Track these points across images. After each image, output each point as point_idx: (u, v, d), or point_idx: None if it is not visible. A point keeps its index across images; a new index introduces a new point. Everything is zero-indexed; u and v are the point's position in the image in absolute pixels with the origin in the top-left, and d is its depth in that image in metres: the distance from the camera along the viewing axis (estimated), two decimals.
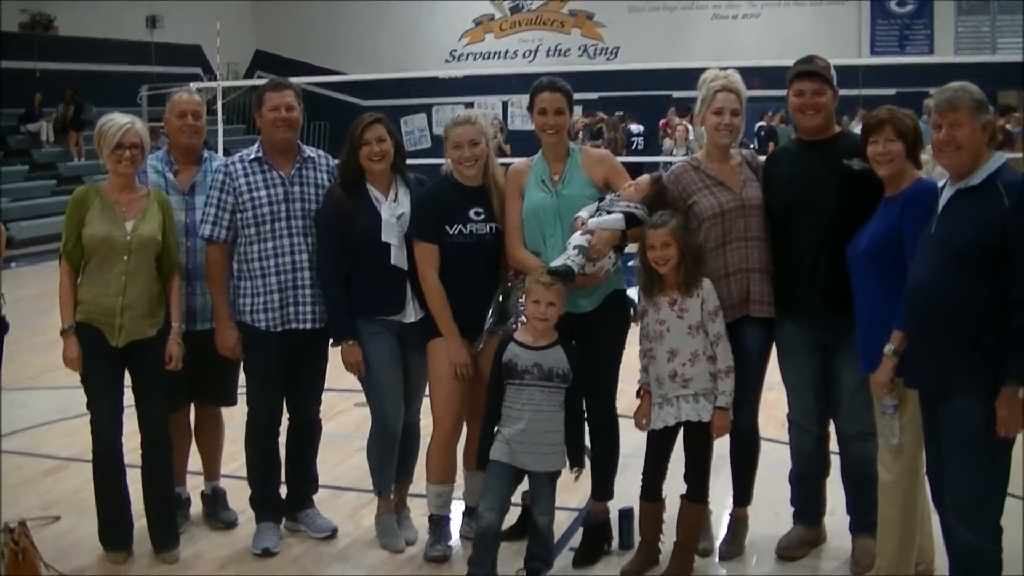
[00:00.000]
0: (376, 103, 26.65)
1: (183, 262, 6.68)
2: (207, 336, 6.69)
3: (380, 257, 6.43)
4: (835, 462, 6.46)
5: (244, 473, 6.98)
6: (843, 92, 6.44)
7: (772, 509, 6.78)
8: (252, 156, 6.69)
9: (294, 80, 7.18)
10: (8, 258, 18.92)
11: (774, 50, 23.44)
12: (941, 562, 5.70)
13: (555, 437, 6.03)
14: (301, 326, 6.59)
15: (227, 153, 13.51)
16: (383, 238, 6.41)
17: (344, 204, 6.46)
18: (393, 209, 6.48)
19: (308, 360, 6.77)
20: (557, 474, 6.14)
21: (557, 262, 6.01)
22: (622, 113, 28.73)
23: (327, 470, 7.47)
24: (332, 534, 6.90)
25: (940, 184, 5.37)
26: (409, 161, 6.88)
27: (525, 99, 6.53)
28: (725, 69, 6.51)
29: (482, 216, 6.41)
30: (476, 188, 6.45)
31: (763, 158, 6.65)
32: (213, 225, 6.58)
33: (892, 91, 24.06)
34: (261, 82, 7.65)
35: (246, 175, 6.61)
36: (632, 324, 6.43)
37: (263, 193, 6.58)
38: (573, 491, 6.76)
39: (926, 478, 5.57)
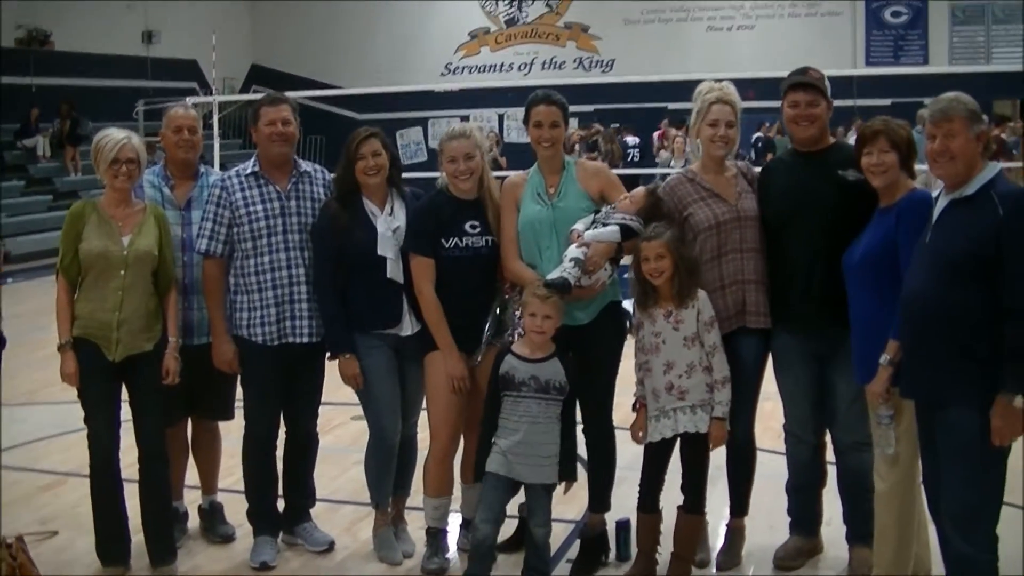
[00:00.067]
0: (372, 117, 26.69)
1: (180, 276, 6.69)
2: (204, 350, 6.70)
3: (376, 271, 6.44)
4: (831, 472, 6.48)
5: (241, 487, 6.98)
6: (838, 103, 6.46)
7: (769, 519, 6.80)
8: (248, 170, 6.70)
9: (290, 94, 7.21)
10: (5, 273, 18.97)
11: (769, 61, 23.56)
12: (938, 571, 5.71)
13: (551, 449, 6.05)
14: (298, 340, 6.60)
15: (223, 168, 13.52)
16: (379, 251, 6.42)
17: (340, 218, 6.48)
18: (389, 223, 6.49)
19: (305, 374, 6.78)
20: (553, 486, 6.15)
21: (553, 275, 6.02)
22: (618, 125, 28.77)
23: (324, 483, 7.48)
24: (329, 547, 6.90)
25: (934, 194, 5.39)
26: (405, 174, 6.90)
27: (521, 112, 6.55)
28: (720, 81, 6.53)
29: (478, 229, 6.42)
30: (471, 201, 6.46)
31: (758, 169, 6.65)
32: (209, 239, 6.59)
33: (887, 101, 24.09)
34: (257, 96, 7.66)
35: (242, 189, 6.62)
36: (628, 336, 6.44)
37: (259, 207, 6.59)
38: (570, 503, 6.76)
39: (922, 487, 5.58)
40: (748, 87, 8.47)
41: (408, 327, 6.51)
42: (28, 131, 27.48)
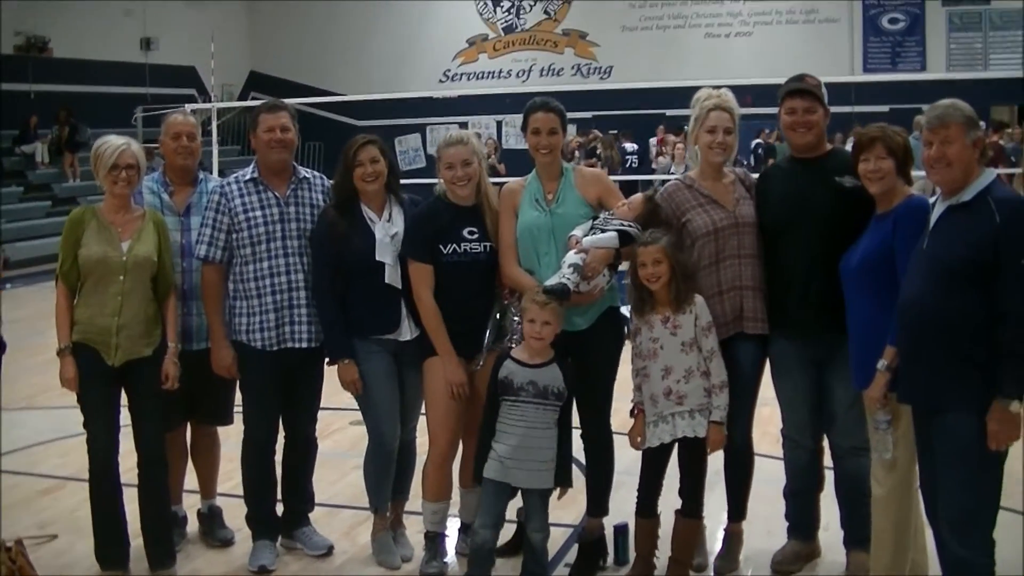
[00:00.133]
0: (370, 123, 26.80)
1: (179, 282, 6.70)
2: (203, 355, 6.72)
3: (375, 276, 6.45)
4: (829, 477, 6.49)
5: (240, 491, 6.99)
6: (836, 109, 6.48)
7: (767, 524, 6.81)
8: (248, 177, 6.72)
9: (288, 101, 7.21)
10: (4, 279, 18.98)
11: (766, 68, 23.55)
12: (935, 575, 5.72)
13: (547, 454, 6.06)
14: (297, 345, 6.62)
15: (222, 174, 13.54)
16: (377, 257, 6.43)
17: (338, 225, 6.49)
18: (387, 229, 6.51)
19: (304, 379, 6.80)
20: (549, 491, 6.17)
21: (552, 281, 6.03)
22: (616, 132, 28.80)
23: (323, 488, 7.49)
24: (328, 551, 6.92)
25: (931, 200, 5.41)
26: (403, 181, 6.90)
27: (519, 119, 6.56)
28: (718, 88, 6.54)
29: (476, 235, 6.44)
30: (469, 208, 6.48)
31: (756, 176, 6.68)
32: (209, 245, 6.62)
33: (885, 108, 24.07)
34: (256, 103, 7.68)
35: (242, 196, 6.64)
36: (627, 341, 6.46)
37: (259, 213, 6.61)
38: (568, 507, 6.78)
39: (919, 492, 5.59)
40: (746, 93, 8.50)
41: (407, 332, 6.53)
42: (27, 137, 27.48)
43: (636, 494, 6.31)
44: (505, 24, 35.63)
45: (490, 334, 6.42)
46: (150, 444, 6.47)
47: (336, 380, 6.62)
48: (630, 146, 28.56)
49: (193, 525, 7.27)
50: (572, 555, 6.70)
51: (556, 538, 6.66)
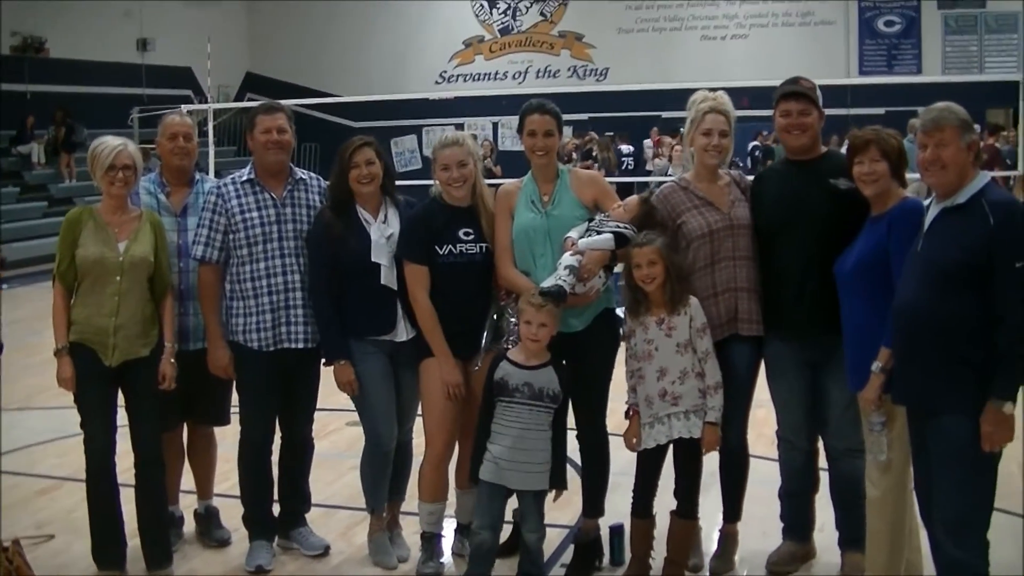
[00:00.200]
0: (367, 124, 26.82)
1: (176, 283, 6.71)
2: (200, 356, 6.73)
3: (370, 277, 6.47)
4: (824, 478, 6.50)
5: (237, 492, 6.99)
6: (832, 112, 6.50)
7: (762, 525, 6.81)
8: (244, 178, 6.73)
9: (285, 102, 7.23)
10: (1, 279, 18.98)
11: (762, 70, 23.60)
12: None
13: (541, 456, 6.08)
14: (293, 345, 6.63)
15: (218, 175, 13.57)
16: (372, 258, 6.45)
17: (334, 226, 6.51)
18: (382, 230, 6.52)
19: (300, 379, 6.81)
20: (544, 493, 6.19)
21: (548, 282, 6.05)
22: (612, 134, 28.82)
23: (320, 489, 7.51)
24: (325, 552, 6.94)
25: (926, 203, 5.43)
26: (400, 182, 6.91)
27: (515, 120, 6.56)
28: (714, 90, 6.55)
29: (472, 236, 6.45)
30: (465, 209, 6.50)
31: (751, 178, 6.69)
32: (205, 246, 6.63)
33: (881, 110, 24.14)
34: (252, 104, 7.72)
35: (238, 196, 6.66)
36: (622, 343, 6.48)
37: (255, 214, 6.63)
38: (564, 508, 6.78)
39: (914, 493, 5.61)
40: (742, 96, 8.51)
41: (403, 333, 6.55)
42: (23, 138, 27.48)
43: (631, 495, 6.33)
44: (501, 26, 35.67)
45: (487, 335, 6.43)
46: (147, 444, 6.48)
47: (333, 381, 6.64)
48: (626, 148, 28.56)
49: (190, 525, 7.28)
50: (568, 556, 6.72)
51: (552, 539, 6.67)
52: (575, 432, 6.50)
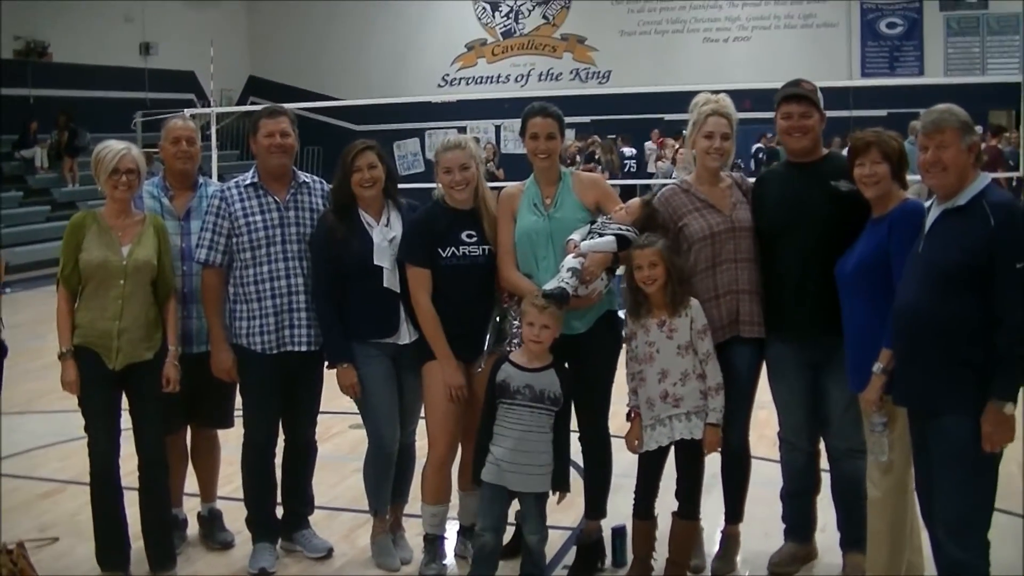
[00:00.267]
0: (369, 128, 26.83)
1: (179, 286, 6.73)
2: (203, 359, 6.75)
3: (373, 280, 6.48)
4: (825, 479, 6.52)
5: (240, 494, 7.02)
6: (835, 114, 6.52)
7: (764, 526, 6.83)
8: (248, 181, 6.76)
9: (288, 106, 7.25)
10: (3, 283, 18.99)
11: (765, 73, 23.61)
12: None
13: (543, 458, 6.09)
14: (296, 348, 6.65)
15: (221, 178, 13.57)
16: (375, 261, 6.46)
17: (337, 230, 6.53)
18: (385, 233, 6.54)
19: (304, 382, 6.83)
20: (546, 495, 6.19)
21: (551, 285, 6.06)
22: (614, 137, 28.82)
23: (323, 491, 7.53)
24: (328, 554, 6.95)
25: (927, 204, 5.44)
26: (402, 185, 6.93)
27: (518, 123, 6.58)
28: (717, 93, 6.57)
29: (474, 239, 6.47)
30: (468, 211, 6.51)
31: (753, 180, 6.71)
32: (209, 249, 6.65)
33: (883, 112, 24.14)
34: (254, 108, 7.74)
35: (242, 200, 6.68)
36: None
37: (259, 218, 6.65)
38: (567, 510, 6.80)
39: (915, 494, 5.62)
40: (744, 98, 8.52)
41: (406, 336, 6.56)
42: (26, 142, 27.44)
43: (633, 496, 6.35)
44: (504, 29, 35.65)
45: (490, 337, 6.45)
46: (151, 447, 6.50)
47: (336, 384, 6.66)
48: (628, 151, 28.57)
49: (193, 528, 7.30)
50: (570, 557, 6.74)
51: (555, 540, 6.69)
52: (577, 434, 6.52)
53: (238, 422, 7.06)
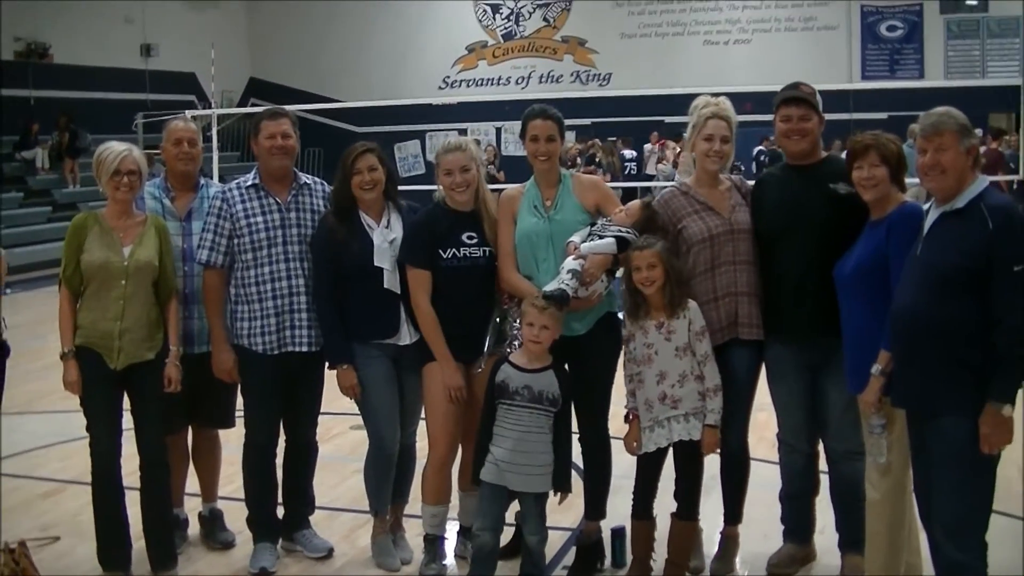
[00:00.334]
0: (370, 130, 26.82)
1: (180, 287, 6.75)
2: (204, 359, 6.77)
3: (373, 282, 6.50)
4: (824, 481, 6.53)
5: (241, 495, 7.04)
6: (835, 117, 6.54)
7: (763, 528, 6.84)
8: (249, 183, 6.78)
9: (288, 107, 7.27)
10: (4, 284, 18.97)
11: (765, 75, 23.58)
12: None
13: (542, 459, 6.11)
14: (297, 349, 6.67)
15: (222, 180, 13.58)
16: (375, 263, 6.48)
17: (337, 231, 6.55)
18: (385, 235, 6.56)
19: (304, 383, 6.85)
20: (545, 495, 6.21)
21: (551, 286, 6.08)
22: (615, 139, 28.84)
23: (323, 491, 7.55)
24: (328, 554, 6.97)
25: (925, 207, 5.46)
26: (403, 187, 6.95)
27: (518, 125, 6.61)
28: (717, 96, 6.59)
29: (475, 240, 6.49)
30: (468, 213, 6.53)
31: (752, 183, 6.73)
32: (210, 250, 6.67)
33: (883, 115, 24.17)
34: (255, 109, 7.77)
35: (243, 201, 6.70)
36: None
37: (260, 219, 6.67)
38: (566, 511, 6.82)
39: (913, 495, 5.64)
40: (745, 101, 8.53)
41: (406, 337, 6.58)
42: (27, 143, 27.44)
43: (632, 497, 6.37)
44: (504, 31, 35.68)
45: (490, 339, 6.47)
46: (152, 447, 6.52)
47: (336, 384, 6.68)
48: (629, 153, 28.60)
49: (194, 528, 7.32)
50: (570, 558, 6.76)
51: (554, 541, 6.70)
52: (577, 435, 6.53)
53: (239, 422, 7.08)
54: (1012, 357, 4.96)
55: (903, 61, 31.87)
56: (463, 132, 28.71)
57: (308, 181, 6.89)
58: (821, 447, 6.49)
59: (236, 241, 6.66)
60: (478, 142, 7.28)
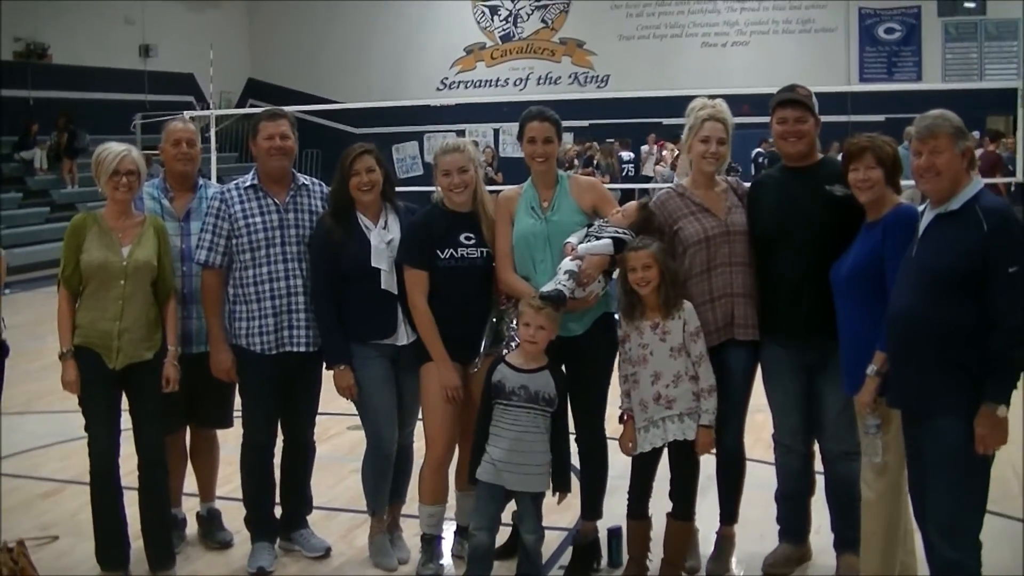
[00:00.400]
0: (368, 131, 26.75)
1: (179, 287, 6.77)
2: (203, 359, 6.79)
3: (371, 282, 6.52)
4: (820, 481, 6.55)
5: (239, 494, 7.05)
6: (832, 119, 6.56)
7: (759, 528, 6.86)
8: (248, 183, 6.79)
9: (287, 108, 7.29)
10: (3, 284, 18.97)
11: (763, 78, 23.56)
12: None
13: (539, 458, 6.13)
14: (295, 349, 6.69)
15: (220, 180, 13.60)
16: (372, 263, 6.50)
17: (334, 233, 6.57)
18: (382, 235, 6.58)
19: (302, 383, 6.87)
20: (542, 495, 6.22)
21: (548, 287, 6.11)
22: (612, 141, 28.85)
23: (321, 491, 7.57)
24: (326, 553, 6.99)
25: (920, 209, 5.48)
26: (401, 188, 6.97)
27: (516, 127, 6.63)
28: (713, 98, 6.61)
29: (473, 241, 6.51)
30: (466, 214, 6.56)
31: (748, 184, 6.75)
32: (208, 251, 6.69)
33: (881, 117, 24.16)
34: (254, 110, 7.78)
35: (242, 202, 6.72)
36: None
37: (258, 219, 6.69)
38: (563, 511, 6.84)
39: (909, 495, 5.66)
40: (743, 103, 8.55)
41: (404, 337, 6.60)
42: (26, 144, 27.42)
43: (627, 497, 6.40)
44: (503, 32, 35.66)
45: (486, 339, 6.49)
46: (150, 447, 6.53)
47: (334, 386, 6.70)
48: (626, 155, 28.62)
49: (192, 527, 7.34)
50: (567, 558, 6.78)
51: (551, 541, 6.73)
52: (574, 435, 6.55)
53: (237, 422, 7.11)
54: (1007, 358, 4.99)
55: (901, 64, 31.88)
56: (461, 133, 28.67)
57: (306, 182, 6.91)
58: (817, 448, 6.51)
59: (234, 241, 6.68)
60: (476, 143, 7.30)
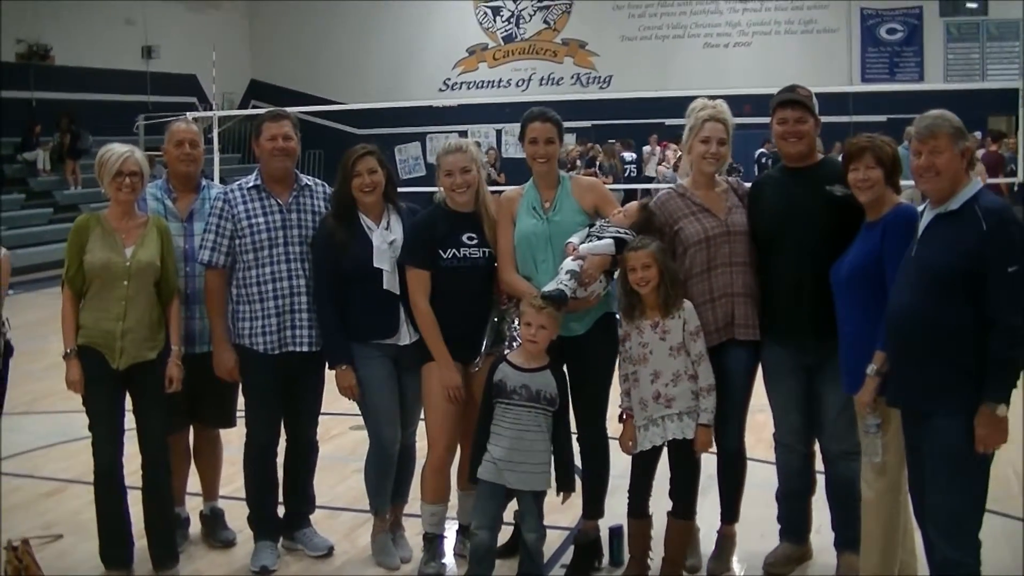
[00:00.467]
0: (371, 132, 26.76)
1: (182, 287, 6.79)
2: (206, 359, 6.81)
3: (373, 282, 6.54)
4: (820, 481, 6.57)
5: (242, 494, 7.08)
6: (834, 119, 6.59)
7: (760, 527, 6.87)
8: (251, 184, 6.82)
9: (289, 109, 7.31)
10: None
11: (765, 78, 23.55)
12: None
13: (540, 457, 6.14)
14: (298, 349, 6.71)
15: (223, 181, 13.61)
16: (375, 264, 6.52)
17: (337, 233, 6.59)
18: (384, 236, 6.60)
19: (305, 382, 6.89)
20: (543, 494, 6.24)
21: (550, 287, 6.12)
22: (614, 141, 28.84)
23: (324, 491, 7.58)
24: (328, 552, 7.02)
25: (920, 209, 5.50)
26: (404, 189, 6.98)
27: (518, 127, 6.65)
28: (714, 99, 6.63)
29: (475, 241, 6.53)
30: (468, 214, 6.58)
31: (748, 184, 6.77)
32: (211, 251, 6.71)
33: (883, 118, 24.11)
34: (256, 111, 7.80)
35: (245, 202, 6.74)
36: None
37: (261, 220, 6.71)
38: (565, 510, 6.85)
39: (908, 495, 5.67)
40: (745, 103, 8.56)
41: (406, 337, 6.62)
42: (29, 145, 27.40)
43: (627, 496, 6.42)
44: (505, 33, 35.64)
45: (488, 338, 6.51)
46: (154, 446, 6.56)
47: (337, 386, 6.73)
48: (629, 155, 28.62)
49: (196, 526, 7.36)
50: (568, 556, 6.79)
51: (552, 540, 6.74)
52: (575, 434, 6.57)
53: (240, 422, 7.13)
54: (1006, 358, 5.01)
55: (903, 64, 31.87)
56: (463, 134, 28.68)
57: (309, 182, 6.93)
58: (817, 447, 6.52)
59: (237, 242, 6.70)
60: (479, 144, 7.31)
